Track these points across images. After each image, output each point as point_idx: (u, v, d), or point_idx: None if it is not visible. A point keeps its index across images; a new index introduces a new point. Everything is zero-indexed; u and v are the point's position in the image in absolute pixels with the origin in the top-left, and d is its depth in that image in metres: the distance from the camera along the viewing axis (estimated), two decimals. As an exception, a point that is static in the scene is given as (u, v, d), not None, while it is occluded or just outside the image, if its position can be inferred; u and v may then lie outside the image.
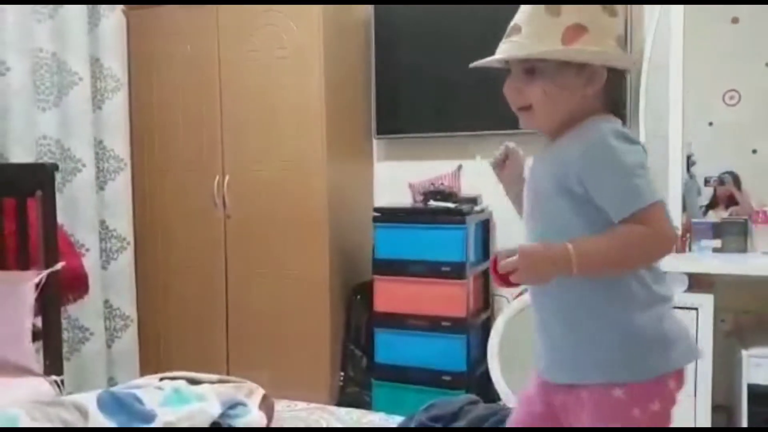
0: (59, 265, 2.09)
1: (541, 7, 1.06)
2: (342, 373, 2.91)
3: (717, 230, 2.46)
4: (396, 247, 2.69)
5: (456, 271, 2.60)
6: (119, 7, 3.01)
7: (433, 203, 2.75)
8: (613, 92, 1.13)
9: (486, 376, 2.64)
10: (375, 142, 3.18)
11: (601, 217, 1.04)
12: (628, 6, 2.61)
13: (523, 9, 1.09)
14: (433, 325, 2.63)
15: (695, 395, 2.24)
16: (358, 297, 2.94)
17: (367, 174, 3.20)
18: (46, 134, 2.71)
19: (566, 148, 1.08)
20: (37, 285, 2.03)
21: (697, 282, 2.34)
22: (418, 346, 2.66)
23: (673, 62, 2.54)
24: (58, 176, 2.34)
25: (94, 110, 2.92)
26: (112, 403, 1.53)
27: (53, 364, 2.09)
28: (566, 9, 1.05)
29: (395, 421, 1.81)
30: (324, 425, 1.81)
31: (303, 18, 2.77)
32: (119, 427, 1.48)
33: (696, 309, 2.25)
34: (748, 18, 2.49)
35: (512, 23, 1.10)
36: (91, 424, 1.46)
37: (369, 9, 3.03)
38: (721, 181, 2.55)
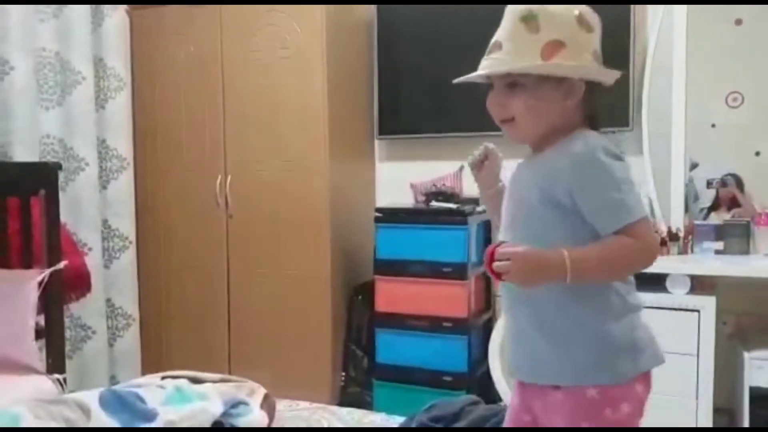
0: (62, 264, 2.10)
1: (521, 25, 1.11)
2: (343, 373, 2.91)
3: (719, 232, 2.46)
4: (397, 248, 2.69)
5: (457, 272, 2.60)
6: (122, 7, 3.01)
7: (434, 204, 2.75)
8: (592, 105, 1.18)
9: (487, 377, 2.64)
10: (377, 142, 3.18)
11: (585, 228, 1.09)
12: (632, 7, 2.61)
13: (504, 26, 1.14)
14: (434, 325, 2.63)
15: (697, 397, 2.24)
16: (360, 297, 2.94)
17: (368, 174, 3.21)
18: (49, 133, 2.71)
19: (553, 160, 1.12)
20: (40, 283, 2.03)
21: (700, 284, 2.34)
22: (419, 346, 2.66)
23: (676, 64, 2.54)
24: (61, 175, 2.34)
25: (97, 110, 2.93)
26: (114, 401, 1.53)
27: (56, 363, 2.09)
28: (545, 26, 1.10)
29: (396, 421, 1.82)
30: (325, 425, 1.82)
31: (305, 18, 2.78)
32: (121, 426, 1.48)
33: (698, 311, 2.24)
34: (751, 19, 2.49)
35: (493, 40, 1.15)
36: (93, 423, 1.46)
37: (371, 9, 3.04)
38: (723, 183, 2.54)
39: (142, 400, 1.57)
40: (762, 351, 2.24)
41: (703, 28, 2.53)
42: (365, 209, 2.96)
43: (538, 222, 1.13)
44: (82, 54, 2.82)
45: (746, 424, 2.22)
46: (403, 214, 2.77)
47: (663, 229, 2.51)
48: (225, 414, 1.62)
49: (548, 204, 1.11)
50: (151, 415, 1.53)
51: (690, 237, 2.49)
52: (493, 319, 2.87)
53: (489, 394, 2.54)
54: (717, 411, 2.29)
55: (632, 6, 2.61)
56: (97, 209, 2.88)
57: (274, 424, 1.75)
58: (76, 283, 2.39)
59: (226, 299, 3.00)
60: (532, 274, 1.05)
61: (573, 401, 1.11)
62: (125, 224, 3.01)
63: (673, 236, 2.47)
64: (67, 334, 2.64)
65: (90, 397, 1.54)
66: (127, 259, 3.02)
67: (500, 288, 1.20)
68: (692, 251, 2.48)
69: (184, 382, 1.73)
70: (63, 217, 2.28)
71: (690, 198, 2.56)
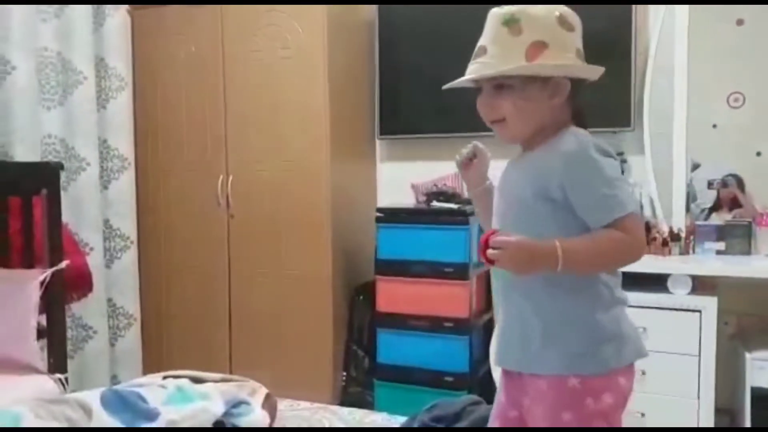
0: (63, 264, 2.10)
1: (504, 28, 1.15)
2: (344, 373, 2.91)
3: (721, 233, 2.46)
4: (398, 248, 2.69)
5: (458, 272, 2.60)
6: (124, 7, 3.02)
7: (435, 204, 2.75)
8: (578, 102, 1.21)
9: (488, 377, 2.64)
10: (378, 142, 3.18)
11: (576, 222, 1.12)
12: (633, 7, 2.60)
13: (487, 32, 1.18)
14: (435, 325, 2.63)
15: (698, 398, 2.24)
16: (361, 297, 2.94)
17: (370, 174, 3.21)
18: (51, 133, 2.72)
19: (545, 158, 1.15)
20: (42, 283, 2.03)
21: (701, 284, 2.33)
22: (421, 346, 2.66)
23: (678, 64, 2.54)
24: (62, 175, 2.34)
25: (99, 109, 2.93)
26: (115, 401, 1.54)
27: (57, 362, 2.09)
28: (527, 28, 1.13)
29: (398, 421, 1.82)
30: (327, 425, 1.82)
31: (306, 18, 2.78)
32: (123, 426, 1.49)
33: (699, 311, 2.24)
34: (752, 20, 2.49)
35: (478, 45, 1.18)
36: (95, 423, 1.47)
37: (373, 9, 3.04)
38: (724, 184, 2.54)
39: (143, 399, 1.57)
40: (763, 351, 2.24)
41: (704, 28, 2.53)
42: (366, 209, 2.96)
43: (529, 216, 1.16)
44: (84, 54, 2.82)
45: (747, 424, 2.22)
46: (404, 215, 2.77)
47: (664, 229, 2.51)
48: (226, 414, 1.63)
49: (542, 199, 1.14)
50: (153, 415, 1.53)
51: (691, 237, 2.49)
52: (494, 320, 2.87)
53: (490, 394, 2.51)
54: (718, 411, 2.29)
55: (634, 6, 2.61)
56: (98, 209, 2.88)
57: (276, 424, 1.75)
58: (78, 282, 2.39)
59: (227, 299, 3.01)
60: (524, 263, 1.08)
61: (555, 391, 1.14)
62: (126, 224, 3.01)
63: (674, 236, 2.46)
64: (69, 333, 2.64)
65: (91, 396, 1.55)
66: (129, 258, 3.03)
67: (492, 276, 1.23)
68: (693, 252, 2.48)
69: (185, 381, 1.73)
70: (64, 217, 2.28)
71: (691, 198, 2.56)
